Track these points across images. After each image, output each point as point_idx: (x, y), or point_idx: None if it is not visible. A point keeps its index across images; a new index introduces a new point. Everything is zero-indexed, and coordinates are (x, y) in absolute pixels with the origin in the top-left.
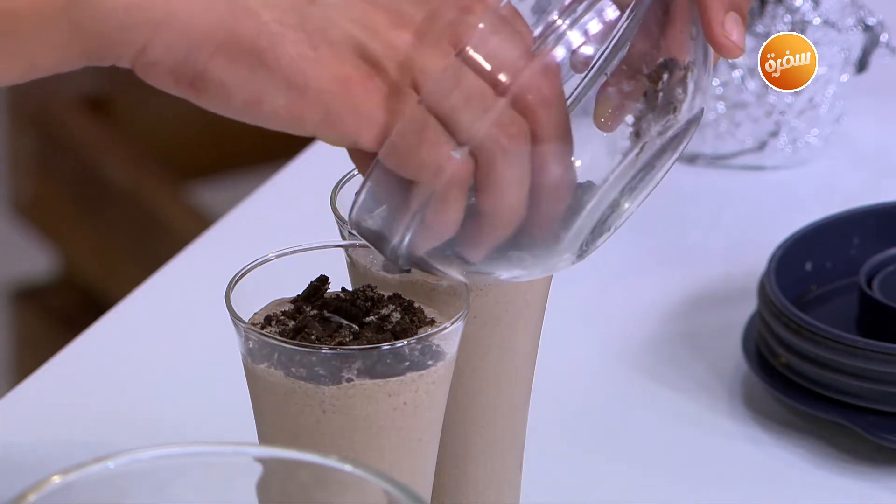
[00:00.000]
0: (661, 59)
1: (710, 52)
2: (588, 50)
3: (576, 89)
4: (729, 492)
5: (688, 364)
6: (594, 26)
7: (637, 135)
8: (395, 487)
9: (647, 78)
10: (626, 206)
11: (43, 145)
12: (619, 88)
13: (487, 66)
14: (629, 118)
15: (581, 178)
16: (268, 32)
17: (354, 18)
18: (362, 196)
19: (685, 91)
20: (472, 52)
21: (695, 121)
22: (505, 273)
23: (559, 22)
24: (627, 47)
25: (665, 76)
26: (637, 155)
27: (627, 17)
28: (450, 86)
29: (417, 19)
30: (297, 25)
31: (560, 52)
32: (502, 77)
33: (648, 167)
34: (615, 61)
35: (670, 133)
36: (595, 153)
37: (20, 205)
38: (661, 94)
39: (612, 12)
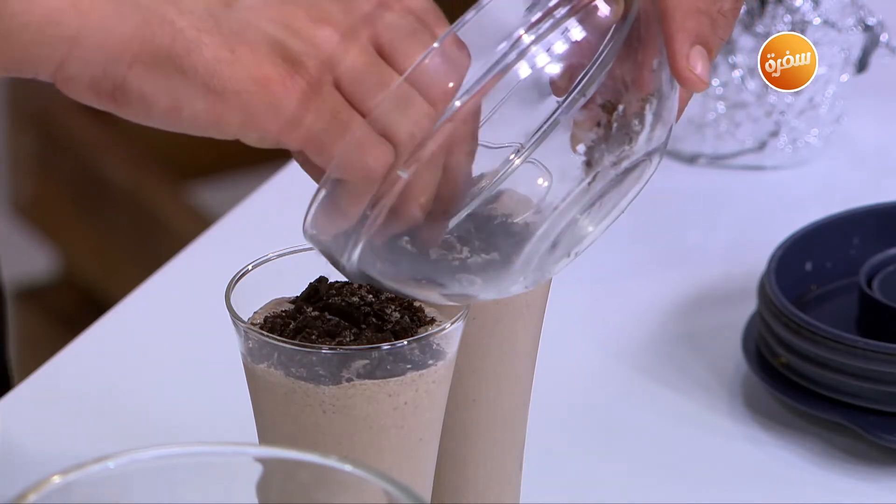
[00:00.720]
0: (617, 90)
1: (675, 83)
2: (554, 70)
3: (546, 118)
4: (729, 492)
5: (688, 364)
6: (559, 47)
7: (589, 164)
8: (395, 487)
9: (601, 108)
10: (586, 231)
11: (43, 145)
12: (572, 116)
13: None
14: (580, 147)
15: (531, 202)
16: (183, 39)
17: (273, 18)
18: (313, 209)
19: (642, 123)
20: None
21: (656, 151)
22: (459, 293)
23: (525, 39)
24: (592, 74)
25: (620, 107)
26: (589, 184)
27: (605, 44)
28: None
29: (337, 16)
30: (214, 29)
31: (525, 72)
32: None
33: (604, 195)
34: (579, 88)
35: (625, 164)
36: (545, 180)
37: (20, 205)
38: (615, 124)
39: (577, 33)
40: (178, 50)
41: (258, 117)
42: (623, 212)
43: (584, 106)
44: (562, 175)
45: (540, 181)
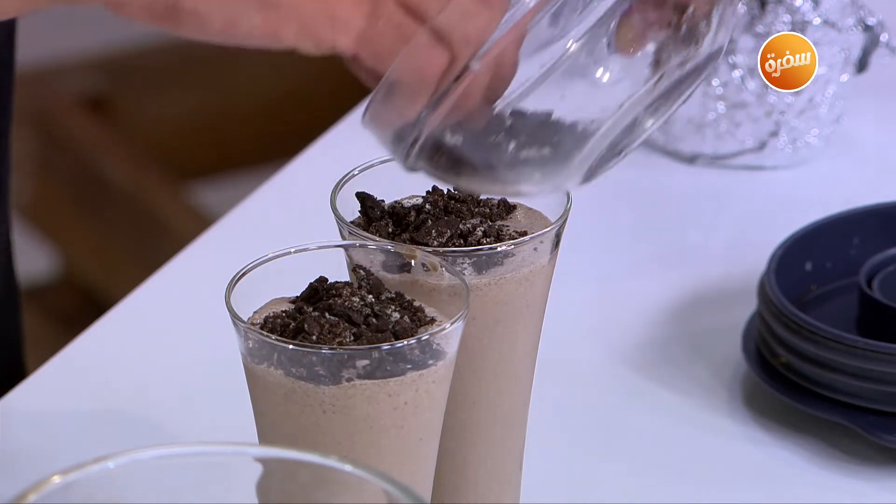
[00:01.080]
0: None
1: None
2: None
3: (604, 12)
4: (729, 492)
5: (688, 364)
6: None
7: (657, 64)
8: (395, 487)
9: (673, 8)
10: (640, 130)
11: (43, 145)
12: (644, 15)
13: None
14: (650, 46)
15: (598, 101)
16: None
17: None
18: (371, 108)
19: (709, 25)
20: None
21: (715, 56)
22: (513, 187)
23: None
24: None
25: (691, 8)
26: (655, 84)
27: None
28: None
29: None
30: None
31: None
32: None
33: (665, 96)
34: None
35: (689, 66)
36: (613, 77)
37: (20, 205)
38: (685, 25)
39: None
40: None
41: (314, 26)
42: (672, 114)
43: (658, 5)
44: (629, 74)
45: (606, 77)
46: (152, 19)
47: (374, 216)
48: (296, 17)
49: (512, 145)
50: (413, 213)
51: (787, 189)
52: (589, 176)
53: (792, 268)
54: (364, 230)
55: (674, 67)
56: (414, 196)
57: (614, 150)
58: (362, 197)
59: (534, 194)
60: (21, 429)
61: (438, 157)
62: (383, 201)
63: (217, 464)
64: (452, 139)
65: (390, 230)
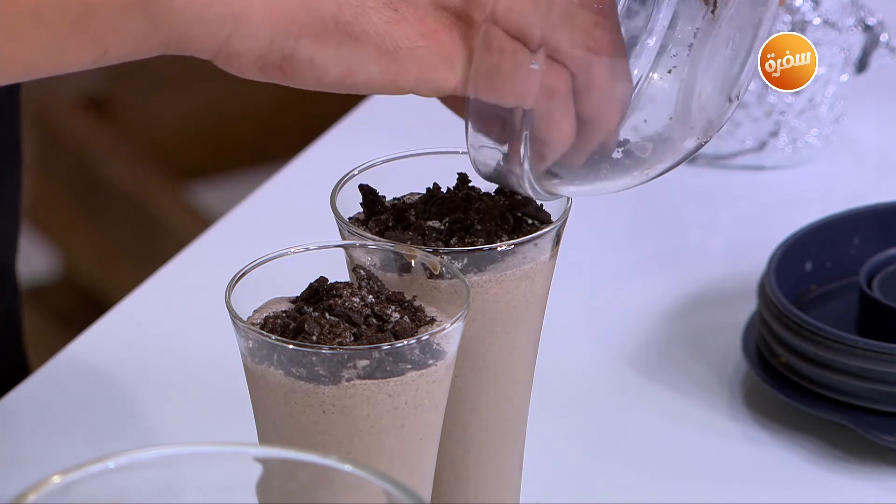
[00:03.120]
0: None
1: None
2: None
3: None
4: (729, 492)
5: (688, 364)
6: None
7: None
8: (395, 487)
9: None
10: (733, 71)
11: (43, 145)
12: None
13: None
14: None
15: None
16: (349, 4)
17: None
18: (469, 138)
19: None
20: None
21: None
22: (643, 175)
23: None
24: None
25: None
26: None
27: None
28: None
29: None
30: None
31: None
32: None
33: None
34: None
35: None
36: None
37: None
38: None
39: None
40: (346, 16)
41: (432, 70)
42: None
43: None
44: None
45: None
46: (262, 71)
47: (375, 210)
48: (414, 64)
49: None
50: (414, 210)
51: (787, 189)
52: (706, 134)
53: (792, 268)
54: (363, 224)
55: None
56: (414, 194)
57: (721, 96)
58: (365, 190)
59: (670, 168)
60: (21, 429)
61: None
62: (384, 197)
63: (217, 464)
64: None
65: (390, 224)
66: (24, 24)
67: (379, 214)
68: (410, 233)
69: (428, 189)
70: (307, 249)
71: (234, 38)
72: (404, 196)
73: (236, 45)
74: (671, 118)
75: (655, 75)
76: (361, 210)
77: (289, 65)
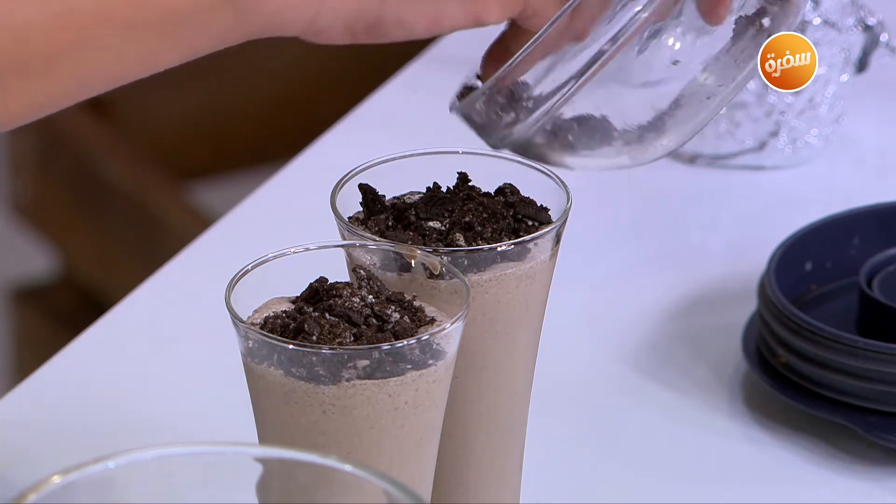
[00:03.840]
0: None
1: None
2: None
3: None
4: (729, 492)
5: (688, 364)
6: None
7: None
8: (395, 487)
9: None
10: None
11: (43, 145)
12: None
13: None
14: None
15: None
16: None
17: None
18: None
19: None
20: None
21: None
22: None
23: None
24: None
25: None
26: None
27: None
28: None
29: None
30: None
31: None
32: None
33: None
34: None
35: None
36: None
37: (20, 205)
38: None
39: None
40: None
41: (513, 3)
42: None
43: None
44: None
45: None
46: (352, 37)
47: (375, 209)
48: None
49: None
50: (414, 209)
51: (787, 189)
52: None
53: (792, 268)
54: (363, 223)
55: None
56: (414, 193)
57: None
58: (364, 189)
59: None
60: (21, 429)
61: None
62: (384, 196)
63: (217, 464)
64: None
65: (390, 224)
66: (116, 41)
67: (378, 214)
68: (411, 232)
69: (428, 188)
70: (307, 249)
71: (319, 17)
72: (404, 195)
73: (323, 23)
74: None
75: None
76: (361, 210)
77: (378, 28)
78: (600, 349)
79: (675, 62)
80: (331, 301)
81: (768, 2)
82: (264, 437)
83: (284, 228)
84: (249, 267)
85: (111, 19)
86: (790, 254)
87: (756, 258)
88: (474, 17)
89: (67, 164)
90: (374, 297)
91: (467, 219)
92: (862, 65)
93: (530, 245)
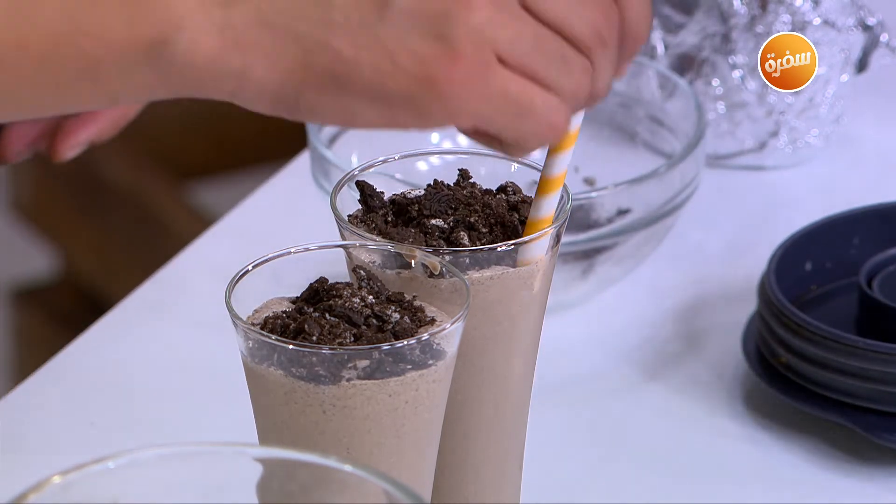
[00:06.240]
0: None
1: None
2: None
3: None
4: (729, 492)
5: (688, 364)
6: None
7: None
8: (395, 487)
9: None
10: None
11: None
12: None
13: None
14: None
15: None
16: (342, 61)
17: (427, 12)
18: None
19: None
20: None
21: None
22: None
23: None
24: None
25: None
26: None
27: None
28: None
29: None
30: (371, 44)
31: None
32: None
33: None
34: None
35: None
36: None
37: (20, 205)
38: None
39: None
40: (340, 72)
41: (428, 113)
42: None
43: None
44: None
45: None
46: (276, 111)
47: (374, 205)
48: (409, 108)
49: None
50: (415, 205)
51: (787, 189)
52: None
53: (792, 268)
54: (362, 220)
55: None
56: (413, 189)
57: None
58: (361, 185)
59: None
60: (21, 429)
61: None
62: (382, 193)
63: (217, 464)
64: None
65: (389, 220)
66: (30, 72)
67: (377, 210)
68: (412, 229)
69: (428, 185)
70: (307, 249)
71: (242, 90)
72: (404, 192)
73: (246, 96)
74: None
75: None
76: (359, 206)
77: (297, 112)
78: (600, 349)
79: None
80: (331, 301)
81: None
82: (264, 437)
83: (284, 228)
84: (249, 267)
85: (26, 50)
86: (790, 254)
87: (756, 258)
88: (389, 121)
89: (67, 164)
90: (374, 298)
91: (472, 219)
92: (862, 65)
93: (530, 245)
